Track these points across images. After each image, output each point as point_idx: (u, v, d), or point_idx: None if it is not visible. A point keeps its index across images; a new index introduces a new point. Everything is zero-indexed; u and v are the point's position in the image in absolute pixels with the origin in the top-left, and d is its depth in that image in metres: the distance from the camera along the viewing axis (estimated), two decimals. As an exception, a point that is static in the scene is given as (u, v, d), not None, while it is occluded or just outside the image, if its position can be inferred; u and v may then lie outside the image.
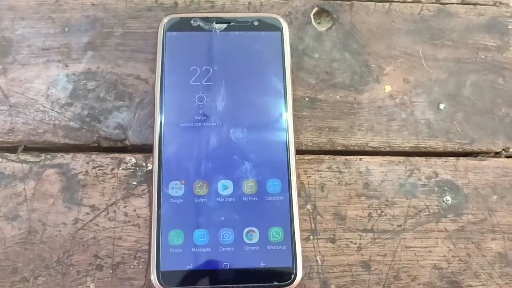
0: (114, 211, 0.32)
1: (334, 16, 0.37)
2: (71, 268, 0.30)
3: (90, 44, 0.35)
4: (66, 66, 0.35)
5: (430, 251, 0.32)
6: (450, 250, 0.32)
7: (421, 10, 0.38)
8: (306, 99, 0.35)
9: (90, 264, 0.31)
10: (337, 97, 0.35)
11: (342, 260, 0.32)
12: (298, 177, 0.33)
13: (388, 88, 0.36)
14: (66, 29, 0.35)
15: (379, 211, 0.33)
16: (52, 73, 0.34)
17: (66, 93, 0.34)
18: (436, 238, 0.32)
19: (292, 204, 0.31)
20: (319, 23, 0.37)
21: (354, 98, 0.35)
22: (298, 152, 0.33)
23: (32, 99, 0.34)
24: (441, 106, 0.35)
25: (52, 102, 0.34)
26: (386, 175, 0.34)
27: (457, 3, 0.38)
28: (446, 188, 0.34)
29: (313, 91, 0.35)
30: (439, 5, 0.38)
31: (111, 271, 0.31)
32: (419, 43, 0.37)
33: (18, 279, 0.30)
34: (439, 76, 0.36)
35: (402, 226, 0.33)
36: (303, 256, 0.31)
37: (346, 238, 0.32)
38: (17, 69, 0.34)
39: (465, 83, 0.36)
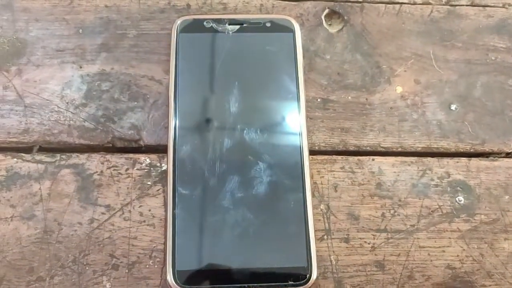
0: (129, 211, 0.32)
1: (345, 17, 0.37)
2: (87, 268, 0.31)
3: (104, 46, 0.35)
4: (81, 67, 0.35)
5: (444, 251, 0.32)
6: (464, 250, 0.32)
7: (431, 11, 0.38)
8: (318, 100, 0.35)
9: (106, 263, 0.31)
10: (349, 98, 0.36)
11: (356, 259, 0.32)
12: (311, 177, 0.33)
13: (399, 89, 0.36)
14: (80, 30, 0.36)
15: (392, 211, 0.33)
16: (66, 74, 0.35)
17: (80, 93, 0.34)
18: (449, 238, 0.33)
19: (306, 204, 0.31)
20: (330, 24, 0.37)
21: (366, 99, 0.36)
22: (311, 152, 0.34)
23: (47, 99, 0.34)
24: (452, 107, 0.36)
25: (67, 102, 0.34)
26: (398, 175, 0.34)
27: (466, 5, 0.38)
28: (458, 188, 0.34)
29: (325, 92, 0.36)
30: (449, 7, 0.38)
31: (126, 271, 0.31)
32: (429, 45, 0.37)
33: (34, 278, 0.30)
34: (450, 77, 0.36)
35: (415, 226, 0.33)
36: (317, 256, 0.31)
37: (360, 238, 0.32)
38: (32, 70, 0.35)
39: (475, 84, 0.36)
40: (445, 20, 0.38)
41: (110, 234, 0.31)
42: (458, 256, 0.32)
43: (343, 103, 0.35)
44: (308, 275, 0.30)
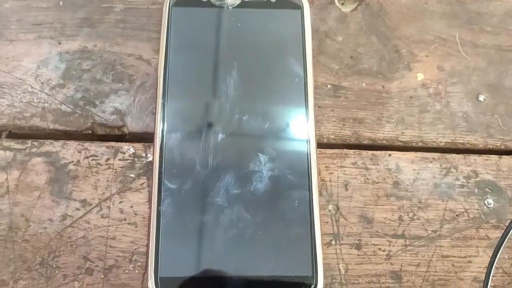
0: (108, 207, 0.28)
1: (360, -5, 0.33)
2: (56, 271, 0.26)
3: (86, 20, 0.31)
4: (59, 43, 0.31)
5: (470, 262, 0.28)
6: (494, 260, 0.28)
7: (456, -9, 0.34)
8: (328, 86, 0.31)
9: (79, 267, 0.27)
10: (363, 84, 0.31)
11: (368, 269, 0.27)
12: (319, 173, 0.28)
13: (420, 76, 0.32)
14: (61, 2, 0.32)
15: (411, 214, 0.29)
16: (43, 50, 0.31)
17: (58, 73, 0.30)
18: (477, 246, 0.28)
19: (312, 204, 0.27)
20: (342, 3, 0.33)
21: (382, 87, 0.31)
22: (319, 145, 0.29)
23: (20, 79, 0.30)
24: (481, 98, 0.31)
25: (42, 83, 0.30)
26: (418, 173, 0.29)
27: (497, -15, 0.34)
28: (487, 189, 0.29)
29: (336, 78, 0.31)
30: (477, -13, 0.34)
31: (102, 276, 0.26)
32: (455, 28, 0.33)
33: (-5, 282, 0.26)
34: (478, 64, 0.32)
35: (438, 232, 0.28)
36: (324, 264, 0.26)
37: (374, 244, 0.28)
38: (4, 45, 0.31)
39: (507, 73, 0.32)
40: (473, 1, 0.34)
41: (84, 233, 0.27)
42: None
43: (356, 91, 0.31)
44: (313, 286, 0.26)
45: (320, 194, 0.28)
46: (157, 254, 0.26)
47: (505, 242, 0.26)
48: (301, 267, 0.26)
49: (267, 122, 0.29)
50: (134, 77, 0.30)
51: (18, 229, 0.27)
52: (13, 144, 0.29)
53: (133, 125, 0.30)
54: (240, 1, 0.31)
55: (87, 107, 0.30)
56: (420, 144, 0.30)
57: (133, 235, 0.27)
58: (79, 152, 0.29)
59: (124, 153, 0.29)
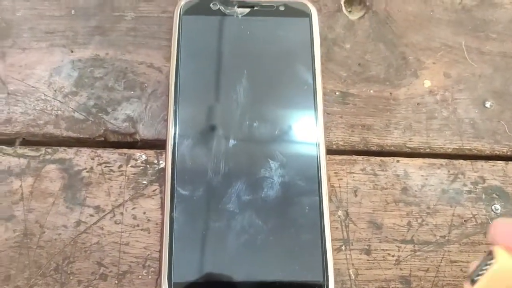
0: (121, 213, 0.28)
1: (367, 3, 0.34)
2: (71, 277, 0.27)
3: (98, 28, 0.32)
4: (72, 51, 0.31)
5: (478, 266, 0.28)
6: (502, 265, 0.28)
7: (462, -1, 0.34)
8: (337, 93, 0.32)
9: (93, 273, 0.27)
10: (371, 91, 0.32)
11: (378, 274, 0.28)
12: (328, 179, 0.29)
13: (427, 83, 0.32)
14: (73, 11, 0.32)
15: (419, 220, 0.29)
16: (55, 58, 0.31)
17: (70, 81, 0.31)
18: (485, 252, 0.29)
19: (322, 210, 0.28)
20: (350, 11, 0.34)
21: (390, 94, 0.32)
22: (328, 151, 0.30)
23: (33, 86, 0.30)
24: (487, 104, 0.32)
25: (55, 90, 0.30)
26: (426, 179, 0.30)
27: (501, -7, 0.34)
28: (494, 195, 0.30)
29: (344, 85, 0.32)
30: (482, -5, 0.34)
31: (116, 282, 0.27)
32: (461, 35, 0.33)
33: (10, 288, 0.26)
34: (484, 71, 0.33)
35: (446, 238, 0.29)
36: (334, 269, 0.27)
37: (383, 250, 0.28)
38: (17, 53, 0.31)
39: (513, 80, 0.32)
40: (478, 9, 0.34)
41: (98, 239, 0.27)
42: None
43: (365, 97, 0.32)
44: (324, 292, 0.26)
45: (330, 200, 0.29)
46: (170, 260, 0.26)
47: None
48: (312, 273, 0.26)
49: (277, 129, 0.29)
50: (146, 85, 0.31)
51: (32, 236, 0.27)
52: (27, 151, 0.29)
53: (145, 132, 0.30)
54: (249, 10, 0.31)
55: (100, 114, 0.30)
56: (428, 150, 0.31)
57: (146, 241, 0.28)
58: (92, 159, 0.29)
59: (136, 160, 0.29)
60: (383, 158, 0.30)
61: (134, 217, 0.28)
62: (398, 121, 0.31)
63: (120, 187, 0.29)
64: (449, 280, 0.28)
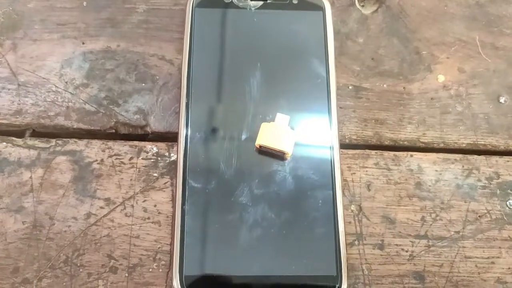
0: (132, 206, 0.28)
1: (380, -2, 0.33)
2: (81, 270, 0.26)
3: (110, 20, 0.32)
4: (83, 43, 0.31)
5: (493, 263, 0.28)
6: (517, 262, 0.28)
7: (476, -6, 0.34)
8: (350, 87, 0.31)
9: (103, 265, 0.27)
10: (384, 86, 0.31)
11: (392, 269, 0.27)
12: (341, 173, 0.29)
13: (441, 78, 0.32)
14: (84, 3, 0.32)
15: (433, 215, 0.29)
16: (67, 50, 0.31)
17: (82, 72, 0.30)
18: (500, 247, 0.28)
19: (336, 204, 0.27)
20: (363, 5, 0.33)
21: (404, 88, 0.31)
22: (341, 146, 0.29)
23: (44, 78, 0.30)
24: (502, 100, 0.31)
25: (66, 82, 0.30)
26: (440, 174, 0.29)
27: (516, -12, 0.34)
28: (509, 191, 0.29)
29: (357, 79, 0.31)
30: (496, -10, 0.34)
31: (126, 274, 0.26)
32: (475, 30, 0.33)
33: (19, 280, 0.26)
34: (498, 66, 0.32)
35: (461, 233, 0.28)
36: (347, 264, 0.26)
37: (396, 245, 0.28)
38: (28, 45, 0.31)
39: (527, 75, 0.32)
40: (492, 4, 0.34)
41: (109, 231, 0.27)
42: (510, 268, 0.28)
43: (378, 92, 0.31)
44: (337, 286, 0.26)
45: (343, 194, 0.28)
46: (182, 253, 0.26)
47: None
48: (326, 267, 0.26)
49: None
50: (157, 77, 0.31)
51: (42, 227, 0.27)
52: (37, 142, 0.29)
53: (156, 124, 0.30)
54: (262, 3, 0.31)
55: (111, 106, 0.30)
56: (442, 145, 0.30)
57: (156, 233, 0.27)
58: (103, 151, 0.29)
59: (147, 152, 0.29)
60: (396, 153, 0.30)
61: (145, 210, 0.28)
62: (411, 115, 0.31)
63: (131, 180, 0.28)
64: (464, 276, 0.27)
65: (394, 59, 0.32)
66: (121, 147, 0.29)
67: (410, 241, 0.28)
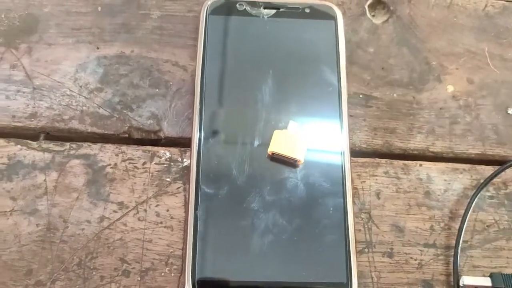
0: (145, 210, 0.28)
1: (391, 8, 0.34)
2: (94, 273, 0.27)
3: (124, 26, 0.32)
4: (97, 48, 0.31)
5: (501, 272, 0.28)
6: (524, 272, 0.28)
7: (485, 6, 0.35)
8: (360, 96, 0.32)
9: (116, 269, 0.27)
10: (394, 95, 0.32)
11: (401, 278, 0.28)
12: (351, 181, 0.29)
13: (450, 88, 0.32)
14: (99, 8, 0.32)
15: (442, 224, 0.29)
16: (81, 55, 0.31)
17: (96, 77, 0.31)
18: (507, 257, 0.29)
19: (346, 211, 0.28)
20: (373, 15, 0.34)
21: (413, 98, 0.32)
22: (351, 154, 0.30)
23: (59, 82, 0.30)
24: (510, 111, 0.32)
25: (81, 86, 0.30)
26: (449, 183, 0.30)
27: (524, 1, 0.35)
28: (517, 201, 0.30)
29: (367, 88, 0.32)
30: (504, 2, 0.35)
31: (139, 278, 0.27)
32: (483, 41, 0.34)
33: (32, 282, 0.26)
34: (507, 78, 0.33)
35: (469, 243, 0.29)
36: (357, 271, 0.27)
37: (405, 253, 0.28)
38: (43, 49, 0.31)
39: (535, 87, 0.33)
40: (501, 16, 0.34)
41: (121, 235, 0.27)
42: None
43: (388, 101, 0.32)
44: (347, 293, 0.26)
45: (353, 202, 0.29)
46: (194, 257, 0.26)
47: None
48: (336, 274, 0.26)
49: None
50: (171, 83, 0.31)
51: (56, 230, 0.27)
52: (51, 146, 0.29)
53: (169, 129, 0.30)
54: (275, 11, 0.31)
55: (124, 111, 0.30)
56: (451, 155, 0.31)
57: (169, 238, 0.28)
58: (117, 155, 0.29)
59: (160, 157, 0.29)
60: (406, 162, 0.30)
61: (158, 214, 0.28)
62: (421, 125, 0.31)
63: (144, 184, 0.29)
64: (472, 285, 0.28)
65: (404, 69, 0.32)
66: (135, 152, 0.29)
67: (419, 249, 0.28)
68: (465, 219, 0.28)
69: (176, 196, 0.28)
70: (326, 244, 0.27)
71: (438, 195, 0.30)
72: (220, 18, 0.31)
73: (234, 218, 0.27)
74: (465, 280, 0.26)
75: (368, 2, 0.34)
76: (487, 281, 0.26)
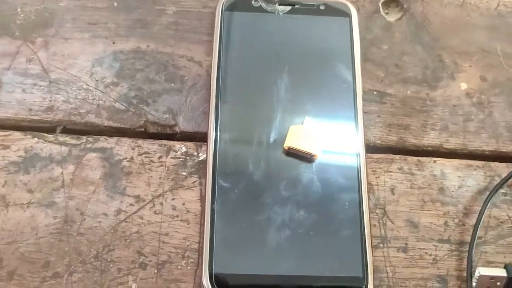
0: (161, 204, 0.28)
1: (405, 6, 0.34)
2: (111, 265, 0.27)
3: (140, 21, 0.32)
4: (113, 43, 0.32)
5: (514, 268, 0.28)
6: (538, 268, 0.28)
7: (497, 5, 0.35)
8: (375, 92, 0.32)
9: (133, 261, 0.27)
10: (408, 92, 0.32)
11: (415, 272, 0.28)
12: (366, 177, 0.29)
13: (464, 86, 0.32)
14: (115, 3, 0.33)
15: (456, 220, 0.29)
16: (98, 49, 0.31)
17: (112, 71, 0.31)
18: (520, 253, 0.29)
19: (362, 206, 0.28)
20: (387, 13, 0.34)
21: (427, 95, 0.32)
22: (366, 150, 0.30)
23: (75, 76, 0.31)
24: (523, 109, 0.32)
25: (97, 80, 0.31)
26: (463, 180, 0.30)
27: (536, 0, 0.35)
28: (530, 198, 0.30)
29: (382, 85, 0.32)
30: (517, 2, 0.35)
31: (155, 271, 0.27)
32: (496, 40, 0.34)
33: (50, 274, 0.26)
34: (520, 76, 0.33)
35: (483, 238, 0.29)
36: (373, 266, 0.27)
37: (420, 248, 0.28)
38: (60, 43, 0.31)
39: (548, 85, 0.33)
40: (513, 15, 0.34)
41: (138, 228, 0.28)
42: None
43: (402, 98, 0.32)
44: (364, 287, 0.26)
45: (368, 197, 0.29)
46: (212, 251, 0.26)
47: None
48: (352, 268, 0.27)
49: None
50: (186, 78, 0.31)
51: (73, 223, 0.27)
52: (68, 139, 0.29)
53: (184, 124, 0.30)
54: (290, 8, 0.32)
55: (140, 105, 0.30)
56: (465, 151, 0.31)
57: (185, 231, 0.28)
58: (133, 149, 0.29)
59: (176, 151, 0.29)
60: (420, 158, 0.30)
61: (174, 208, 0.28)
62: (435, 122, 0.31)
63: (160, 178, 0.29)
64: (486, 281, 0.28)
65: (418, 66, 0.33)
66: (151, 146, 0.29)
67: (434, 245, 0.29)
68: (481, 217, 0.28)
69: (192, 190, 0.29)
70: (342, 239, 0.27)
71: (452, 191, 0.30)
72: (235, 14, 0.31)
73: (250, 212, 0.27)
74: (481, 271, 0.26)
75: (382, 0, 0.34)
76: (503, 272, 0.26)
